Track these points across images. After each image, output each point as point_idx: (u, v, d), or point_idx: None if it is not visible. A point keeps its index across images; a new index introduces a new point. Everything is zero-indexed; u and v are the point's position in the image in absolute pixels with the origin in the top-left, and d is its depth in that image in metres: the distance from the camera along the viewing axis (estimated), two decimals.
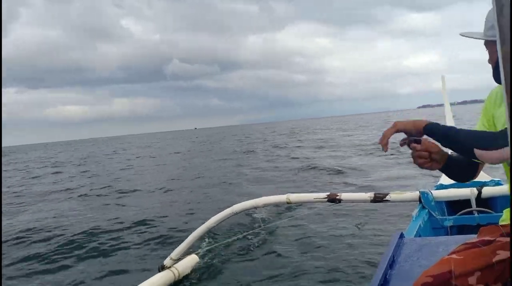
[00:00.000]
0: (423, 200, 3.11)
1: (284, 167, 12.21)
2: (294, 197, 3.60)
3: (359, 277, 3.49)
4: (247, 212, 5.21)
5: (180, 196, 9.02)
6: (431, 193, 3.16)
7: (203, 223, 4.03)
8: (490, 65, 1.69)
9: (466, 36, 1.69)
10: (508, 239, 1.51)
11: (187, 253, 4.18)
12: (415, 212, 3.05)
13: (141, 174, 13.99)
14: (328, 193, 3.41)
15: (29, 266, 4.98)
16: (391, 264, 1.89)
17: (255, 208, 3.86)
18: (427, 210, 3.05)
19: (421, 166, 1.61)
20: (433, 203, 3.12)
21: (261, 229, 5.15)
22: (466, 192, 3.09)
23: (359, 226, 4.98)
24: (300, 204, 3.80)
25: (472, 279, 1.42)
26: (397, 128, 1.59)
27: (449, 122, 6.38)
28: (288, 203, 3.63)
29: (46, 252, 5.41)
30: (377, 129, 29.62)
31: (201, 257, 4.42)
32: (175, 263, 4.05)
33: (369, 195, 3.27)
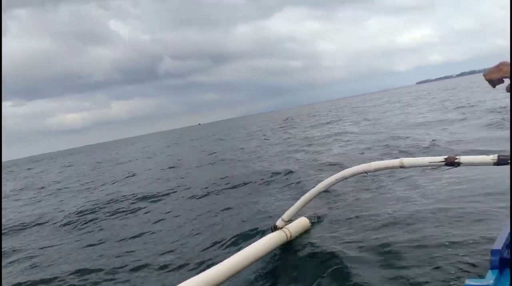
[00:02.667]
0: None
1: None
2: (407, 161, 3.53)
3: (485, 237, 3.35)
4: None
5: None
6: None
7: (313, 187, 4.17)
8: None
9: None
10: None
11: (297, 215, 4.36)
12: None
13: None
14: (445, 156, 3.28)
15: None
16: None
17: (366, 172, 3.86)
18: None
19: None
20: None
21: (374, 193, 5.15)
22: None
23: None
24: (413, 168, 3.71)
25: None
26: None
27: None
28: (401, 167, 3.57)
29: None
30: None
31: (312, 221, 4.56)
32: (286, 224, 4.25)
33: (492, 158, 3.08)
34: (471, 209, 4.18)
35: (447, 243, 3.45)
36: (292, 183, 7.18)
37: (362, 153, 9.58)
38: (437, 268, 3.07)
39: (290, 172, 8.30)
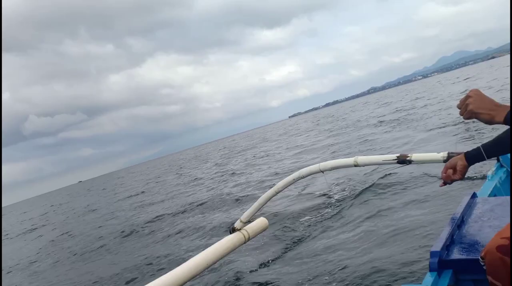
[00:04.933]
0: (501, 158, 2.89)
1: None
2: (362, 159, 3.52)
3: (428, 238, 3.34)
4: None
5: None
6: None
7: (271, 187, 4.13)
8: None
9: None
10: None
11: (256, 216, 4.31)
12: (491, 171, 2.85)
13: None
14: (398, 154, 3.30)
15: None
16: (460, 225, 1.79)
17: (322, 171, 3.84)
18: (505, 169, 2.84)
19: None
20: None
21: (332, 205, 5.15)
22: None
23: None
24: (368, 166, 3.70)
25: None
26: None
27: None
28: (355, 165, 3.57)
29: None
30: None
31: (272, 221, 4.52)
32: (245, 226, 4.18)
33: (442, 155, 3.10)
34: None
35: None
36: None
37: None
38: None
39: None
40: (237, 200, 7.51)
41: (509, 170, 2.79)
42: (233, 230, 4.17)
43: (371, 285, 2.93)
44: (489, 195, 2.35)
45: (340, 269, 3.29)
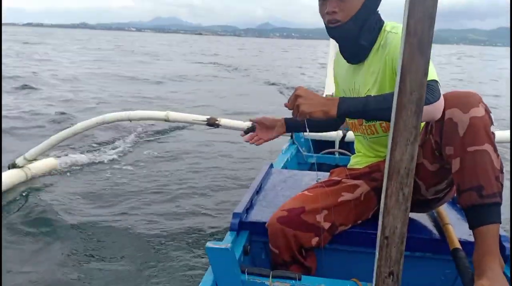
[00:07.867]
0: (294, 136, 3.32)
1: None
2: (173, 115, 3.54)
3: (231, 201, 3.53)
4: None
5: None
6: None
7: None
8: None
9: None
10: (353, 182, 1.68)
11: (44, 155, 3.89)
12: (285, 146, 3.25)
13: None
14: (208, 117, 3.43)
15: None
16: (258, 191, 1.99)
17: (130, 120, 3.71)
18: (296, 146, 3.27)
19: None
20: (302, 140, 3.34)
21: (133, 145, 4.99)
22: (333, 133, 3.33)
23: None
24: (178, 123, 3.73)
25: (319, 217, 1.54)
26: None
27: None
28: (166, 120, 3.56)
29: None
30: None
31: (61, 162, 4.13)
32: (29, 164, 3.73)
33: (247, 124, 3.38)
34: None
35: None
36: None
37: None
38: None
39: None
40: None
41: (299, 148, 3.23)
42: (13, 166, 3.68)
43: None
44: (282, 167, 2.67)
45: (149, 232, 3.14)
